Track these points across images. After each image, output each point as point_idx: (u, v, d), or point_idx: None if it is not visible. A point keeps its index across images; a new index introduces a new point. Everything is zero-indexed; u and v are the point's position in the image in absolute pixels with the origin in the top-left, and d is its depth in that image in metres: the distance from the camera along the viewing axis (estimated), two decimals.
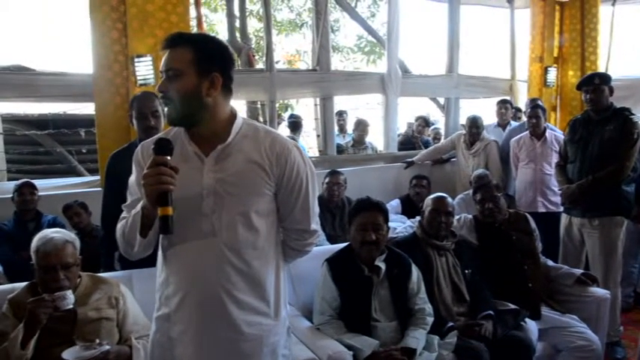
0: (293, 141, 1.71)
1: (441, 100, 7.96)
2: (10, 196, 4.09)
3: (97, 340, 2.16)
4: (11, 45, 7.48)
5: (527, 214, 3.50)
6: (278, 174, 1.62)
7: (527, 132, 4.83)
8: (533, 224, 3.41)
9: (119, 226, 1.64)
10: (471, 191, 3.99)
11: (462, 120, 6.40)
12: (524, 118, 5.44)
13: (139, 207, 1.55)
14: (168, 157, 1.47)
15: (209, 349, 1.58)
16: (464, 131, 5.49)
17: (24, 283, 2.36)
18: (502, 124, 5.88)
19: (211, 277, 1.57)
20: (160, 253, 1.66)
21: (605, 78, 3.62)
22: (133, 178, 1.67)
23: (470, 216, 3.43)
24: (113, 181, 2.82)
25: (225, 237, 1.57)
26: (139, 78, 4.28)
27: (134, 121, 2.82)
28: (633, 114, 3.53)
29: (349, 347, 2.47)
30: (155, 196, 1.44)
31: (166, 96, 1.55)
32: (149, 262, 1.77)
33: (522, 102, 6.77)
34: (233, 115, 1.64)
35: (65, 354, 2.07)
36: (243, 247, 1.58)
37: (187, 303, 1.59)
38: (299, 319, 2.73)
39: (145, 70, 4.28)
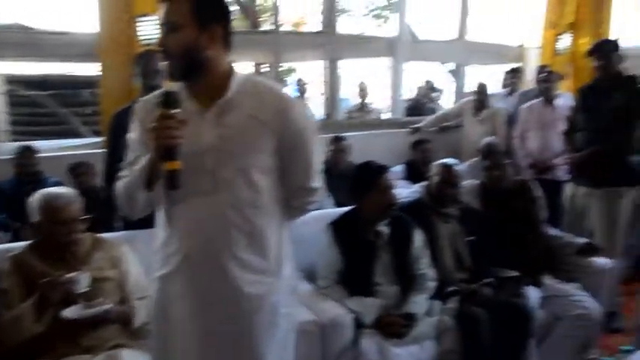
0: (296, 97, 1.67)
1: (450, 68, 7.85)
2: (10, 157, 4.00)
3: (100, 299, 2.16)
4: (11, 3, 7.25)
5: (532, 182, 3.46)
6: (278, 129, 1.57)
7: (539, 99, 4.75)
8: (538, 192, 3.38)
9: (120, 184, 1.62)
10: (479, 158, 3.95)
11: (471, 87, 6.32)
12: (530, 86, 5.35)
13: (143, 162, 1.51)
14: (176, 111, 1.44)
15: (208, 309, 1.57)
16: (471, 98, 5.41)
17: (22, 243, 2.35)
18: (512, 93, 5.78)
19: (212, 235, 1.55)
20: (160, 212, 1.64)
21: (614, 45, 3.56)
22: (133, 135, 1.63)
23: (477, 182, 3.40)
24: (115, 141, 2.79)
25: (226, 194, 1.54)
26: (142, 37, 4.21)
27: (137, 80, 2.81)
28: None
29: (352, 312, 2.48)
30: (163, 150, 1.42)
31: (166, 51, 1.51)
32: (152, 223, 1.74)
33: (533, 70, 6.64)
34: (232, 70, 1.59)
35: (67, 312, 2.07)
36: (244, 204, 1.56)
37: (188, 262, 1.57)
38: (301, 283, 2.73)
39: (149, 29, 4.20)
